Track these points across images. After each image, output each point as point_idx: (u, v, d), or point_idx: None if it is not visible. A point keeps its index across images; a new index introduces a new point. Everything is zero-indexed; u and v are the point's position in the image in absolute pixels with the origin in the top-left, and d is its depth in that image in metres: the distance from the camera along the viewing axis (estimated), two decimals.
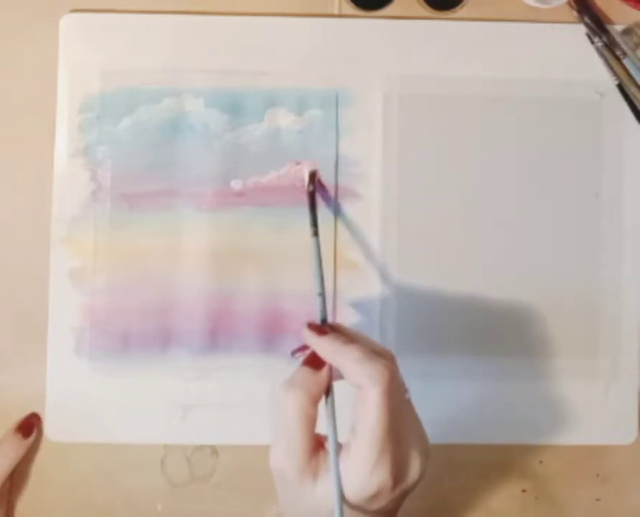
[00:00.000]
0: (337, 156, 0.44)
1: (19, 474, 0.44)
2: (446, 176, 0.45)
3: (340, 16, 0.45)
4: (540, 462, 0.46)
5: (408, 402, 0.33)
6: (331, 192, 0.44)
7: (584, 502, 0.46)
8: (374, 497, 0.30)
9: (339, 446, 0.31)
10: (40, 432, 0.44)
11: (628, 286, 0.45)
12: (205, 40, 0.44)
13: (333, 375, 0.33)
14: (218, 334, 0.44)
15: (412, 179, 0.45)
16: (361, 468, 0.30)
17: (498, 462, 0.45)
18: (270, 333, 0.44)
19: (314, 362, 0.33)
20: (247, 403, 0.44)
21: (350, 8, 0.45)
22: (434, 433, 0.45)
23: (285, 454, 0.31)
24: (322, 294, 0.36)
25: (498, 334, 0.45)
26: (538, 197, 0.45)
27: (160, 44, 0.44)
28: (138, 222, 0.44)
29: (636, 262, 0.45)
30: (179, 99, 0.44)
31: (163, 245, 0.44)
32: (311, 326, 0.34)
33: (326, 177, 0.44)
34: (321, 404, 0.32)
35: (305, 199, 0.43)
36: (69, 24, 0.44)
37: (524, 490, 0.46)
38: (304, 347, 0.36)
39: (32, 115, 0.44)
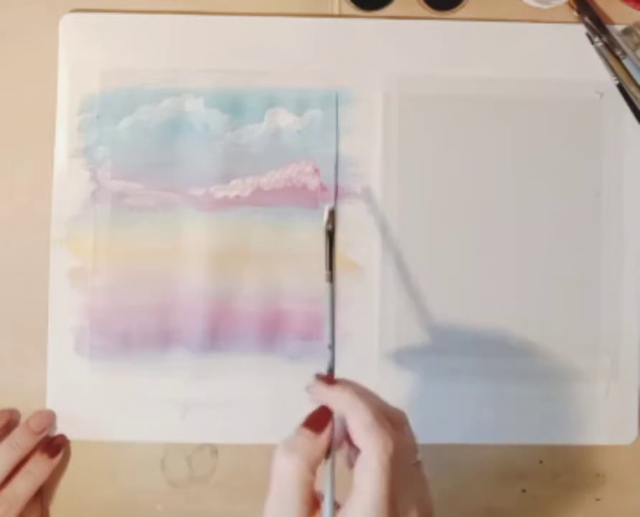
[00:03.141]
0: (337, 156, 0.44)
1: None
2: (446, 176, 0.45)
3: (340, 16, 0.45)
4: (540, 462, 0.46)
5: (417, 465, 0.33)
6: (331, 193, 0.44)
7: (584, 502, 0.46)
8: None
9: (335, 507, 0.31)
10: (68, 453, 0.44)
11: (628, 286, 0.45)
12: (205, 40, 0.44)
13: (334, 439, 0.32)
14: (218, 334, 0.44)
15: (412, 179, 0.45)
16: None
17: (498, 462, 0.45)
18: (270, 333, 0.44)
19: (315, 423, 0.32)
20: (247, 403, 0.44)
21: (350, 8, 0.45)
22: (434, 433, 0.45)
23: None
24: (332, 347, 0.34)
25: (498, 334, 0.45)
26: (538, 197, 0.45)
27: (160, 44, 0.44)
28: (138, 222, 0.44)
29: (636, 262, 0.45)
30: (179, 99, 0.44)
31: (163, 245, 0.44)
32: (320, 377, 0.33)
33: (326, 177, 0.44)
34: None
35: (306, 200, 0.43)
36: (69, 24, 0.44)
37: (524, 490, 0.46)
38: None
39: (32, 115, 0.44)
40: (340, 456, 0.32)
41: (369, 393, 0.33)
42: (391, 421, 0.31)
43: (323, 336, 0.34)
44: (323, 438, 0.31)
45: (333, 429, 0.31)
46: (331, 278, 0.35)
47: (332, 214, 0.37)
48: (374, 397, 0.33)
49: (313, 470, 0.31)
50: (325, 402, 0.32)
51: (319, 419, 0.32)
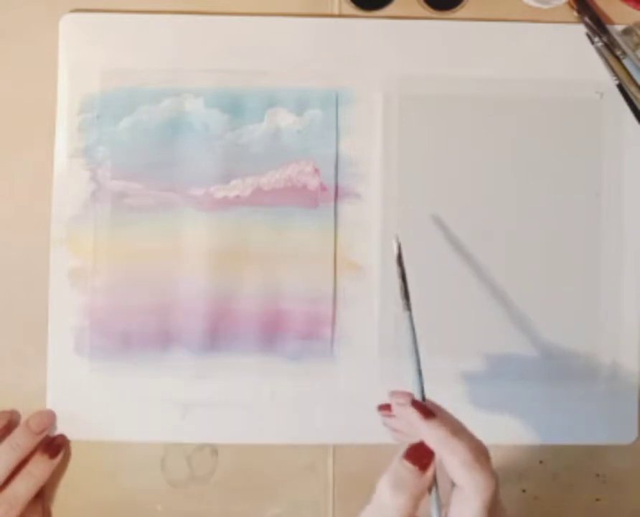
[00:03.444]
0: (337, 156, 0.44)
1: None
2: (446, 176, 0.45)
3: (340, 16, 0.45)
4: (540, 462, 0.46)
5: None
6: (331, 193, 0.44)
7: (584, 503, 0.46)
8: None
9: None
10: (68, 453, 0.44)
11: (628, 286, 0.45)
12: (205, 40, 0.44)
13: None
14: (218, 334, 0.44)
15: (412, 180, 0.45)
16: None
17: (498, 462, 0.45)
18: (270, 333, 0.44)
19: (420, 458, 0.31)
20: (247, 403, 0.44)
21: (350, 8, 0.45)
22: None
23: None
24: (420, 373, 0.33)
25: (498, 334, 0.45)
26: (538, 197, 0.45)
27: (160, 44, 0.44)
28: (138, 222, 0.44)
29: (636, 262, 0.45)
30: (179, 99, 0.44)
31: (163, 245, 0.44)
32: (417, 405, 0.32)
33: (326, 177, 0.44)
34: None
35: (306, 200, 0.43)
36: (69, 24, 0.44)
37: (524, 490, 0.46)
38: (388, 407, 0.35)
39: (32, 115, 0.44)
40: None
41: (461, 426, 0.32)
42: (484, 455, 0.31)
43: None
44: (429, 475, 0.31)
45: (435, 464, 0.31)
46: (409, 307, 0.34)
47: (398, 242, 0.36)
48: (467, 430, 0.32)
49: (417, 505, 0.30)
50: (421, 435, 0.32)
51: (425, 455, 0.31)
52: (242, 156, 0.44)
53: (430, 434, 0.31)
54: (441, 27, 0.45)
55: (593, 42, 0.45)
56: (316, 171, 0.44)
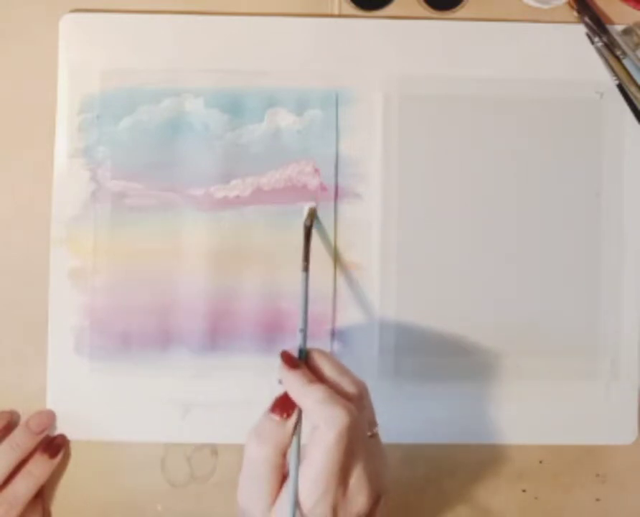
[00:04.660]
0: (337, 156, 0.44)
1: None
2: (446, 176, 0.45)
3: (340, 16, 0.45)
4: (540, 462, 0.46)
5: (374, 436, 0.34)
6: (331, 193, 0.44)
7: (584, 502, 0.46)
8: None
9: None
10: (68, 453, 0.44)
11: (628, 286, 0.45)
12: (205, 40, 0.44)
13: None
14: (218, 334, 0.44)
15: (412, 180, 0.45)
16: (304, 503, 0.31)
17: (498, 462, 0.45)
18: (270, 333, 0.44)
19: (283, 408, 0.33)
20: (247, 403, 0.44)
21: (350, 8, 0.45)
22: (434, 432, 0.45)
23: (254, 497, 0.32)
24: (304, 330, 0.36)
25: (498, 334, 0.45)
26: (538, 197, 0.45)
27: (160, 44, 0.44)
28: (138, 222, 0.44)
29: (636, 262, 0.45)
30: (179, 99, 0.44)
31: (163, 245, 0.44)
32: (285, 355, 0.34)
33: (326, 177, 0.44)
34: None
35: (306, 200, 0.43)
36: (69, 24, 0.44)
37: (524, 490, 0.46)
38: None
39: (32, 116, 0.44)
40: None
41: (335, 368, 0.34)
42: (347, 395, 0.32)
43: (298, 322, 0.36)
44: (291, 423, 0.32)
45: (300, 413, 0.33)
46: (307, 268, 0.39)
47: (312, 212, 0.43)
48: (338, 371, 0.34)
49: (282, 454, 0.32)
50: (283, 383, 0.33)
51: (287, 404, 0.33)
52: (242, 156, 0.44)
53: (290, 383, 0.33)
54: (441, 27, 0.45)
55: (593, 42, 0.45)
56: (316, 171, 0.44)
